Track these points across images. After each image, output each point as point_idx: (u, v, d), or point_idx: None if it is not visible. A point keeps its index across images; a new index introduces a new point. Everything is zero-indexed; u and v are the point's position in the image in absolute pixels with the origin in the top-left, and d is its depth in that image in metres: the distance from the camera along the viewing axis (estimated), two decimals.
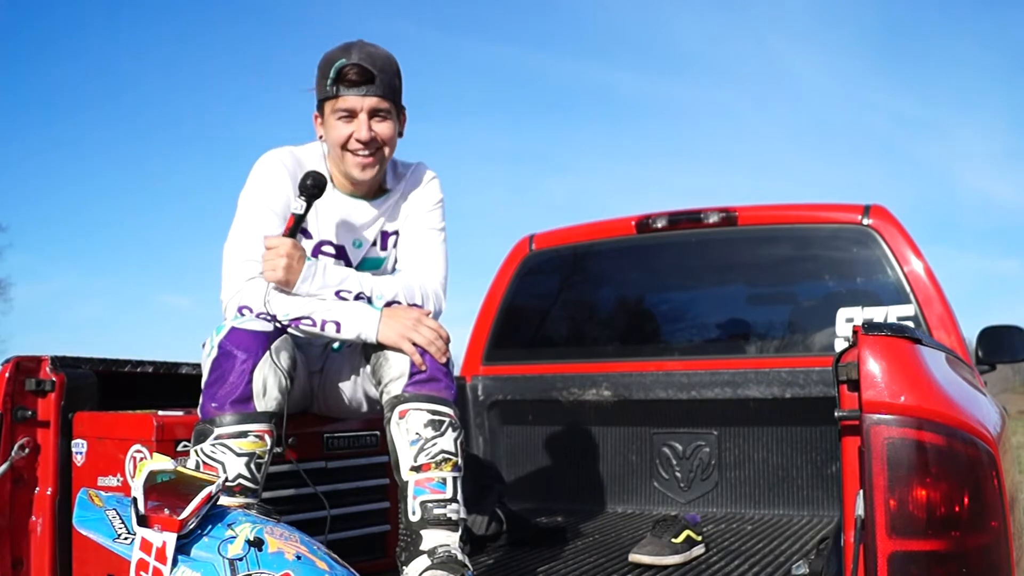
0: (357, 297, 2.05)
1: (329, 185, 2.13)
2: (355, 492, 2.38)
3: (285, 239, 2.00)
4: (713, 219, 3.38)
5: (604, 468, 3.40)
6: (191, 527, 1.55)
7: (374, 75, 2.07)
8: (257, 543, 1.57)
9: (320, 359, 2.25)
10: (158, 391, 2.44)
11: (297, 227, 2.03)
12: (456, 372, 2.91)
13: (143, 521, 1.53)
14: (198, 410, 1.96)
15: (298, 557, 1.59)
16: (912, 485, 1.57)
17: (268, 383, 1.93)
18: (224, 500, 1.74)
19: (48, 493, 2.16)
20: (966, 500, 1.59)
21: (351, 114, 2.09)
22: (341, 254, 2.19)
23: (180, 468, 1.62)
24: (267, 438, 1.93)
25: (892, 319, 3.05)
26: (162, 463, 1.61)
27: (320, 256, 2.16)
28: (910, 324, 2.99)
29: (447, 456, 1.94)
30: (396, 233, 2.25)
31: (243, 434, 1.90)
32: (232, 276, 2.03)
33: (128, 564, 1.52)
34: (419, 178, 2.26)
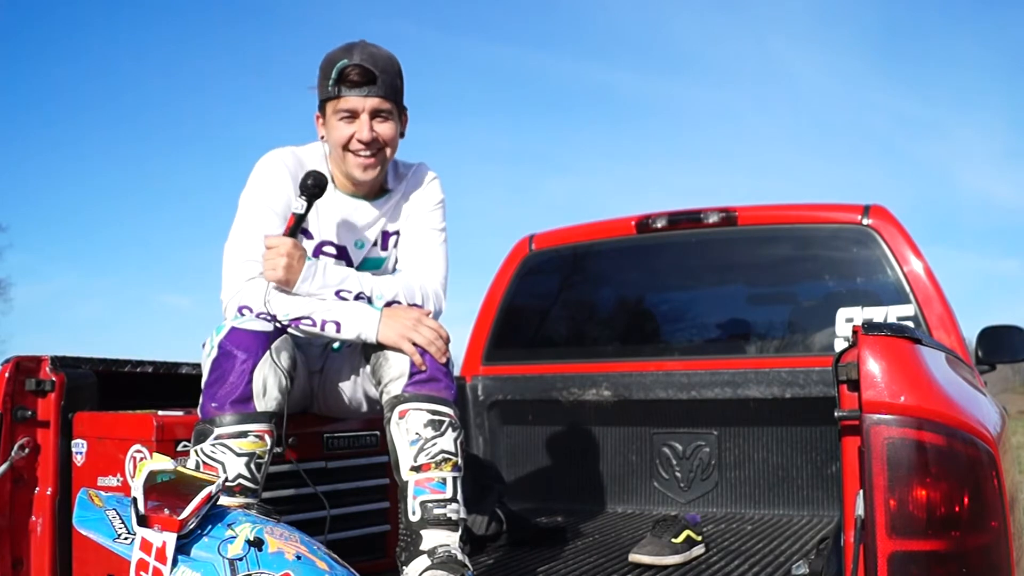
0: (357, 297, 2.05)
1: (330, 185, 2.13)
2: (355, 492, 2.38)
3: (285, 238, 2.00)
4: (713, 219, 3.38)
5: (604, 468, 3.40)
6: (191, 527, 1.55)
7: (376, 76, 2.07)
8: (257, 543, 1.57)
9: (320, 359, 2.25)
10: (158, 391, 2.44)
11: (298, 227, 2.03)
12: (456, 372, 2.91)
13: (143, 521, 1.53)
14: (198, 410, 1.96)
15: (298, 557, 1.59)
16: (912, 485, 1.57)
17: (268, 383, 1.93)
18: (224, 500, 1.74)
19: (48, 493, 2.16)
20: (966, 500, 1.59)
21: (353, 115, 2.09)
22: (342, 254, 2.19)
23: (180, 468, 1.62)
24: (267, 438, 1.93)
25: (892, 319, 3.05)
26: (162, 463, 1.61)
27: (321, 256, 2.16)
28: (910, 324, 2.99)
29: (447, 456, 1.94)
30: (397, 233, 2.25)
31: (243, 434, 1.90)
32: (232, 276, 2.03)
33: (128, 564, 1.52)
34: (420, 178, 2.26)
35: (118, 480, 2.07)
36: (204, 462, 1.89)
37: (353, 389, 2.23)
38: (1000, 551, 1.62)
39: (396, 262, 2.27)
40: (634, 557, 2.46)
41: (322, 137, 2.18)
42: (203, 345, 2.01)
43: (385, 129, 2.11)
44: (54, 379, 2.16)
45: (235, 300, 2.01)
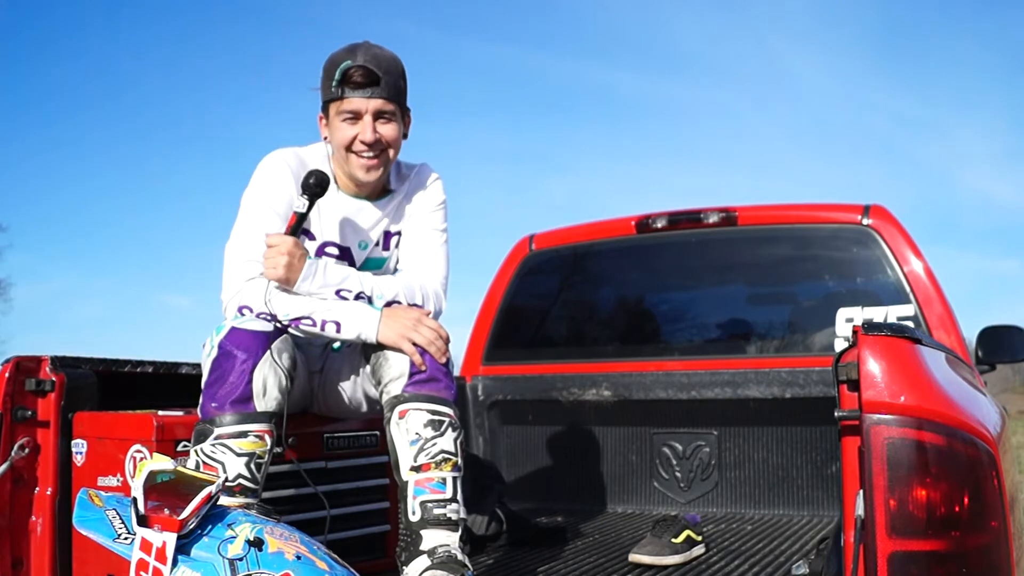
0: (357, 296, 2.05)
1: (333, 186, 2.14)
2: (355, 492, 2.38)
3: (287, 237, 2.00)
4: (713, 219, 3.38)
5: (604, 468, 3.40)
6: (191, 527, 1.55)
7: (379, 77, 2.07)
8: (257, 543, 1.57)
9: (320, 359, 2.25)
10: (158, 391, 2.44)
11: (299, 226, 2.03)
12: (456, 372, 2.91)
13: (143, 521, 1.53)
14: (198, 410, 1.96)
15: (298, 557, 1.59)
16: (912, 485, 1.57)
17: (268, 383, 1.93)
18: (224, 500, 1.74)
19: (48, 493, 2.16)
20: (966, 500, 1.59)
21: (356, 116, 2.09)
22: (345, 255, 2.20)
23: (180, 468, 1.62)
24: (267, 438, 1.93)
25: (892, 319, 3.05)
26: (162, 463, 1.61)
27: (323, 257, 2.16)
28: (910, 324, 2.99)
29: (447, 456, 1.94)
30: (399, 233, 2.25)
31: (243, 434, 1.90)
32: (233, 276, 2.04)
33: (128, 564, 1.52)
34: (422, 179, 2.27)
35: (118, 480, 2.07)
36: (204, 462, 1.89)
37: (353, 389, 2.23)
38: (1000, 551, 1.62)
39: (397, 262, 2.27)
40: (634, 557, 2.46)
41: (325, 138, 2.18)
42: (203, 345, 2.01)
43: (388, 130, 2.11)
44: (54, 379, 2.16)
45: (235, 300, 2.01)
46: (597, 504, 3.38)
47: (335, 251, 2.18)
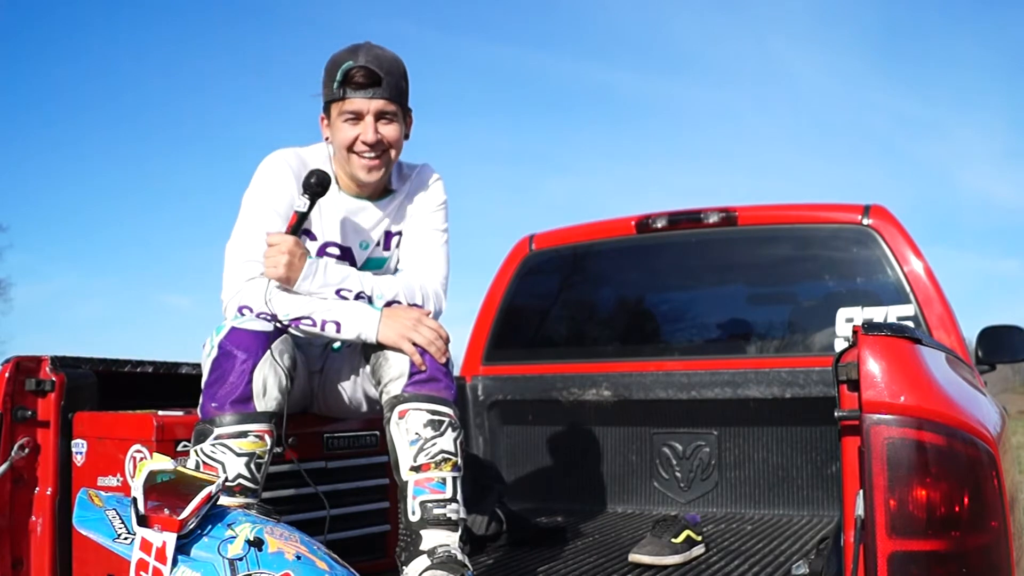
0: (358, 296, 2.05)
1: (334, 187, 2.14)
2: (355, 492, 2.38)
3: (287, 236, 2.00)
4: (713, 219, 3.38)
5: (604, 468, 3.40)
6: (191, 527, 1.55)
7: (381, 77, 2.07)
8: (257, 543, 1.57)
9: (320, 359, 2.25)
10: (158, 391, 2.44)
11: (300, 225, 2.03)
12: (456, 372, 2.91)
13: (143, 521, 1.53)
14: (198, 410, 1.96)
15: (298, 557, 1.59)
16: (912, 485, 1.57)
17: (268, 383, 1.93)
18: (224, 500, 1.74)
19: (48, 493, 2.16)
20: (966, 500, 1.59)
21: (358, 116, 2.09)
22: (346, 255, 2.20)
23: (180, 468, 1.62)
24: (267, 438, 1.93)
25: (892, 319, 3.05)
26: (162, 463, 1.61)
27: (323, 256, 2.16)
28: (910, 324, 2.99)
29: (447, 456, 1.94)
30: (400, 234, 2.25)
31: (243, 434, 1.90)
32: (233, 276, 2.04)
33: (128, 564, 1.52)
34: (423, 179, 2.27)
35: (118, 480, 2.07)
36: (204, 462, 1.89)
37: (353, 389, 2.23)
38: (1000, 551, 1.62)
39: (398, 262, 2.27)
40: (634, 557, 2.46)
41: (327, 139, 2.18)
42: (203, 345, 2.01)
43: (390, 131, 2.11)
44: (54, 379, 2.16)
45: (235, 300, 2.01)
46: (597, 504, 3.38)
47: (336, 251, 2.18)
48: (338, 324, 2.00)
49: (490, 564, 2.52)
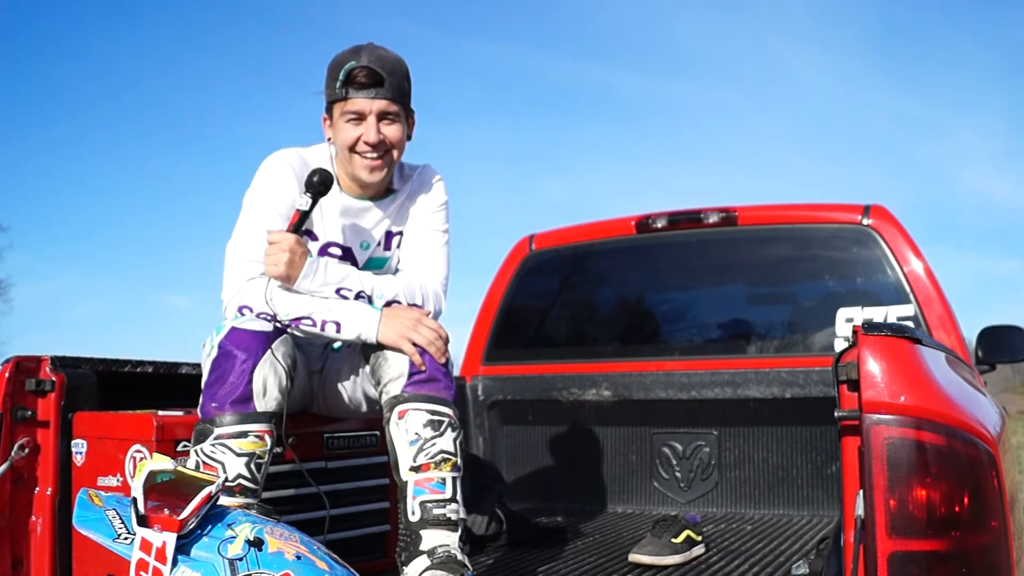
0: (358, 296, 2.05)
1: (336, 187, 2.13)
2: (355, 492, 2.38)
3: (288, 234, 2.00)
4: (713, 219, 3.38)
5: (604, 468, 3.40)
6: (191, 527, 1.55)
7: (383, 78, 2.06)
8: (257, 543, 1.57)
9: (320, 359, 2.25)
10: (158, 391, 2.44)
11: (301, 224, 2.03)
12: (456, 372, 2.91)
13: (143, 521, 1.53)
14: (198, 410, 1.96)
15: (298, 557, 1.59)
16: (912, 485, 1.57)
17: (268, 383, 1.93)
18: (224, 500, 1.74)
19: (48, 493, 2.16)
20: (966, 500, 1.59)
21: (360, 116, 2.09)
22: (347, 255, 2.20)
23: (180, 468, 1.62)
24: (267, 438, 1.93)
25: (892, 319, 3.05)
26: (162, 463, 1.61)
27: (324, 256, 2.16)
28: (910, 324, 2.99)
29: (446, 456, 1.94)
30: (401, 234, 2.25)
31: (243, 434, 1.90)
32: (233, 276, 2.04)
33: (128, 564, 1.52)
34: (425, 180, 2.27)
35: (118, 480, 2.07)
36: (204, 462, 1.89)
37: (353, 389, 2.23)
38: (1000, 551, 1.62)
39: (399, 262, 2.27)
40: (634, 557, 2.46)
41: (329, 139, 2.18)
42: (203, 345, 2.01)
43: (392, 131, 2.11)
44: (54, 379, 2.16)
45: (235, 300, 2.01)
46: (597, 504, 3.38)
47: (338, 251, 2.18)
48: (338, 324, 2.00)
49: (490, 564, 2.52)
